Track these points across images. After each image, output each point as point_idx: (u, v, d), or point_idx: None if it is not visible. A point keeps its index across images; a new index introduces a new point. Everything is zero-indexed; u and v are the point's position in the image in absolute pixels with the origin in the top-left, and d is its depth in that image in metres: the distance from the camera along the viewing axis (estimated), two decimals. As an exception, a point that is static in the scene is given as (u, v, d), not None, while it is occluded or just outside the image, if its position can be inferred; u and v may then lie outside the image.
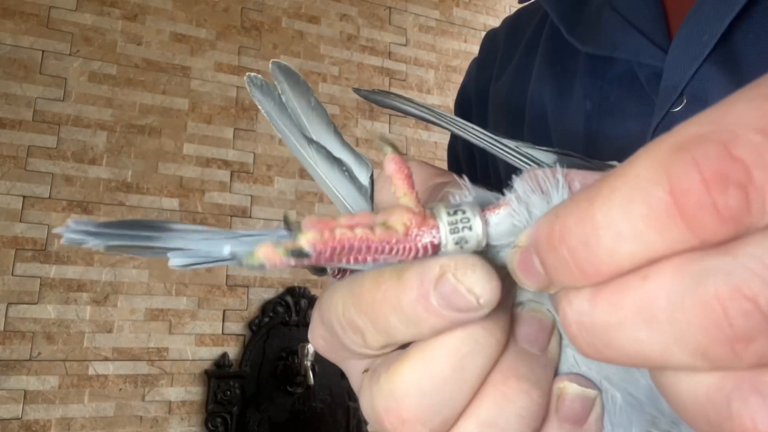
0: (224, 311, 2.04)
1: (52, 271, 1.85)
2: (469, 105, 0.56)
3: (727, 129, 0.10)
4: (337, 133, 0.21)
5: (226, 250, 0.16)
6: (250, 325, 2.05)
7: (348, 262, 0.16)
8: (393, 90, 2.46)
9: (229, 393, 1.94)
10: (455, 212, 0.16)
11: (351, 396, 2.11)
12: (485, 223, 0.16)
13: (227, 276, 2.06)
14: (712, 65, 0.32)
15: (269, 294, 2.11)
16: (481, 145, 0.21)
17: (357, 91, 0.23)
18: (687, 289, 0.11)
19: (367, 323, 0.16)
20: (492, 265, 0.15)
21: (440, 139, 2.50)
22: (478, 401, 0.16)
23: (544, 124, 0.43)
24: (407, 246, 0.16)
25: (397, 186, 0.17)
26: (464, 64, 2.62)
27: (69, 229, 0.16)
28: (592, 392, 0.18)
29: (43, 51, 1.96)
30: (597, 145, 0.38)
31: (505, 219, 0.17)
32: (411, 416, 0.16)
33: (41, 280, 1.84)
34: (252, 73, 0.20)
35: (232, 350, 2.02)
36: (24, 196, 1.86)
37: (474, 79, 0.56)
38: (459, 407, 0.16)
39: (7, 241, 1.82)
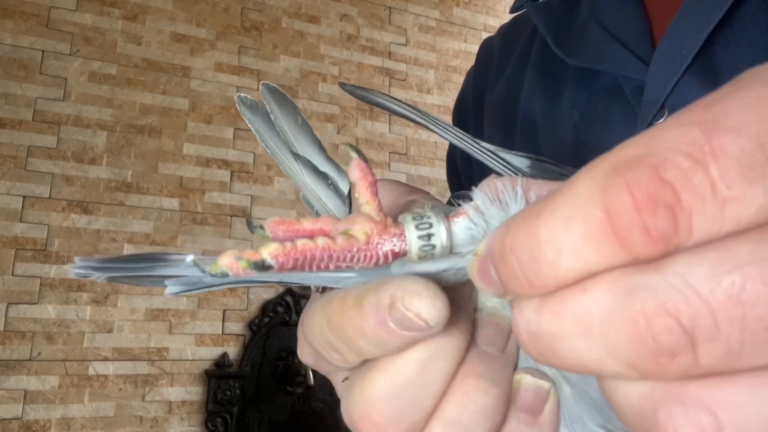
0: (224, 311, 2.04)
1: (52, 271, 1.85)
2: (466, 113, 0.57)
3: (658, 153, 0.11)
4: (322, 148, 0.22)
5: (188, 258, 0.16)
6: (250, 325, 2.05)
7: (311, 270, 0.16)
8: (393, 90, 2.46)
9: (229, 393, 1.94)
10: (421, 222, 0.17)
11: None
12: (449, 231, 0.17)
13: (227, 276, 2.06)
14: (692, 77, 0.33)
15: (269, 294, 2.11)
16: (462, 146, 0.22)
17: (342, 86, 0.23)
18: (617, 304, 0.11)
19: (342, 345, 0.17)
20: (439, 285, 0.16)
21: (440, 139, 2.49)
22: (443, 403, 0.17)
23: (534, 133, 0.44)
24: (368, 254, 0.17)
25: (360, 193, 0.17)
26: (464, 64, 2.62)
27: (76, 266, 0.17)
28: (545, 383, 0.19)
29: (43, 51, 1.96)
30: (585, 155, 0.38)
31: (463, 228, 0.17)
32: (382, 420, 0.17)
33: (41, 280, 1.84)
34: (242, 94, 0.22)
35: (232, 350, 2.02)
36: (24, 196, 1.86)
37: (471, 88, 0.56)
38: (426, 410, 0.17)
39: (7, 241, 1.82)
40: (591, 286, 0.12)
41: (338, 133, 2.31)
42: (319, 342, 0.18)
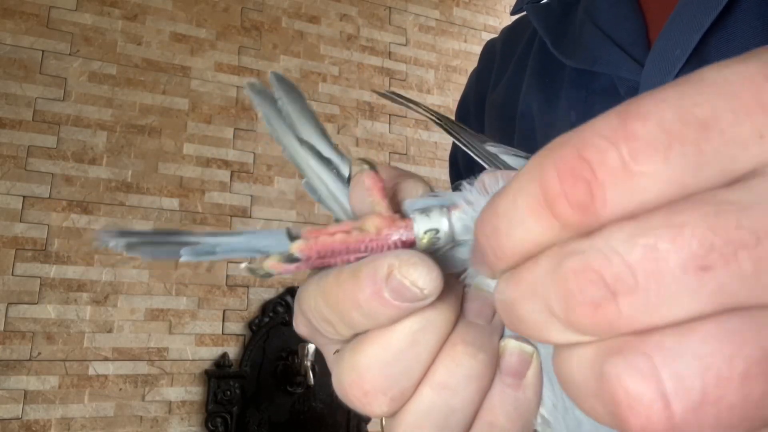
0: (224, 311, 2.04)
1: (52, 271, 1.85)
2: (467, 115, 0.57)
3: (582, 137, 0.12)
4: (326, 135, 0.24)
5: (242, 266, 0.20)
6: (250, 325, 2.05)
7: (335, 263, 0.19)
8: (393, 90, 2.46)
9: (229, 393, 1.94)
10: (427, 215, 0.19)
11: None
12: (451, 222, 0.19)
13: (227, 276, 2.06)
14: None
15: (269, 294, 2.11)
16: (468, 150, 0.23)
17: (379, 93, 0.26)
18: (553, 267, 0.13)
19: (335, 317, 0.19)
20: (434, 259, 0.18)
21: (440, 139, 2.50)
22: (432, 369, 0.19)
23: (533, 133, 0.44)
24: (379, 243, 0.19)
25: (372, 197, 0.20)
26: (464, 64, 2.62)
27: (97, 237, 0.19)
28: (528, 348, 0.20)
29: (43, 51, 1.96)
30: None
31: (458, 220, 0.20)
32: (372, 387, 0.18)
33: (41, 280, 1.84)
34: (252, 80, 0.23)
35: (232, 350, 2.02)
36: (24, 196, 1.86)
37: (473, 89, 0.57)
38: (415, 377, 0.18)
39: (7, 241, 1.82)
40: (540, 257, 0.13)
41: (338, 132, 2.31)
42: (313, 314, 0.19)
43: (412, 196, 0.21)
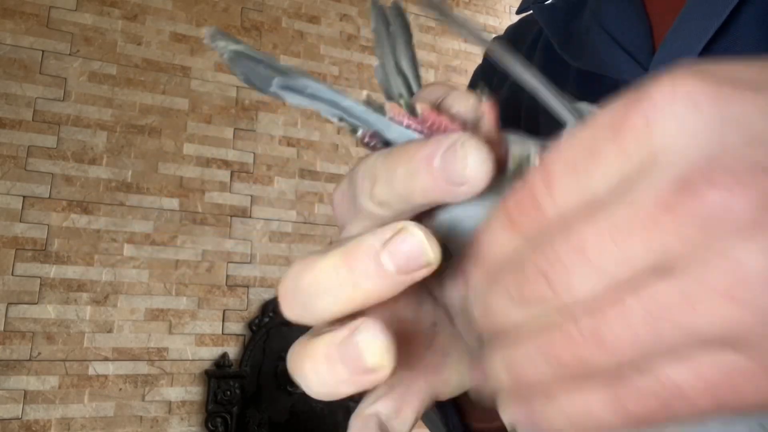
0: (224, 311, 2.04)
1: (52, 271, 1.85)
2: None
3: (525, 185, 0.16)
4: (419, 74, 0.27)
5: (362, 96, 0.21)
6: (250, 325, 2.05)
7: (436, 131, 0.20)
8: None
9: (229, 393, 1.94)
10: (522, 144, 0.22)
11: (351, 396, 2.11)
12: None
13: (227, 276, 2.06)
14: None
15: (269, 294, 2.11)
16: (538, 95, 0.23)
17: None
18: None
19: (383, 171, 0.19)
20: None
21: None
22: (339, 326, 0.19)
23: (537, 133, 0.44)
24: None
25: (487, 119, 0.22)
26: (464, 64, 2.62)
27: (209, 33, 0.21)
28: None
29: (43, 51, 1.96)
30: None
31: None
32: (285, 295, 0.19)
33: (41, 280, 1.84)
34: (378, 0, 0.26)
35: (232, 350, 2.02)
36: (24, 196, 1.86)
37: (479, 81, 0.57)
38: (330, 312, 0.19)
39: (7, 241, 1.82)
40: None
41: (338, 133, 2.31)
42: (361, 173, 0.20)
43: (459, 104, 0.23)
